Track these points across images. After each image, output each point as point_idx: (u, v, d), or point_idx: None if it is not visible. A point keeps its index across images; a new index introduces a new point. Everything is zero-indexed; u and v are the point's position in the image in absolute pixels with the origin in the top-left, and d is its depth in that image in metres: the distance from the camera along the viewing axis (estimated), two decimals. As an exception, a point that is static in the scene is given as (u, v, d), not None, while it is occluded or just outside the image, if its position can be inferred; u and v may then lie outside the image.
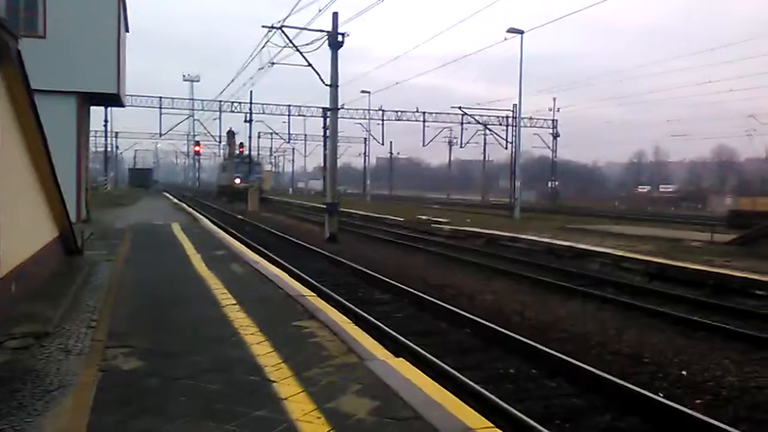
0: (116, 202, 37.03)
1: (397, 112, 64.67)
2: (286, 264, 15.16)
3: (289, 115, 64.05)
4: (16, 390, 4.82)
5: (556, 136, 63.50)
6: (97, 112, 50.52)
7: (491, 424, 4.34)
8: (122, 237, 16.87)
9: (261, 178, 60.64)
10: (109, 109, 51.20)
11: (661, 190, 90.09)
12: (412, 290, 12.32)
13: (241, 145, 58.13)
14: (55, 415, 4.37)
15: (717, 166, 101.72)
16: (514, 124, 46.04)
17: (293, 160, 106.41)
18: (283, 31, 24.28)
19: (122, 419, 4.25)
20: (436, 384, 5.20)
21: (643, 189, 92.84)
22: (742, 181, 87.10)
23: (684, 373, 7.73)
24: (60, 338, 6.37)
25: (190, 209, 34.16)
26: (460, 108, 57.76)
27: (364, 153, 77.42)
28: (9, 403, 4.56)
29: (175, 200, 46.60)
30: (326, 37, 23.16)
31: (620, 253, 16.64)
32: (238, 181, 56.38)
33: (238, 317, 7.41)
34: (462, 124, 64.53)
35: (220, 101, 59.24)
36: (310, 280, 13.02)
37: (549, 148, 64.76)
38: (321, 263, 17.15)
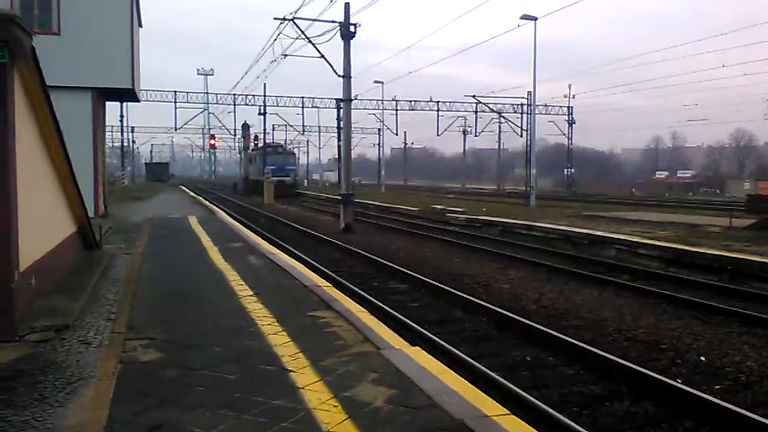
0: (134, 196, 37.29)
1: (410, 101, 64.58)
2: (302, 255, 15.23)
3: (302, 107, 64.38)
4: (38, 382, 4.89)
5: (571, 123, 63.06)
6: (113, 107, 50.86)
7: (508, 411, 4.34)
8: (140, 231, 17.01)
9: (295, 171, 54.66)
10: (124, 104, 51.48)
11: (678, 175, 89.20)
12: (427, 279, 12.33)
13: (256, 137, 58.10)
14: (77, 406, 4.42)
15: (735, 150, 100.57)
16: (529, 111, 45.78)
17: (308, 152, 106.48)
18: (295, 23, 24.31)
19: (142, 410, 4.31)
20: (453, 372, 5.22)
21: (661, 175, 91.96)
22: (761, 165, 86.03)
23: (702, 358, 7.68)
24: (80, 331, 6.44)
25: (207, 202, 34.35)
26: (474, 96, 57.66)
27: (379, 143, 77.44)
28: (31, 395, 4.63)
29: (192, 194, 46.82)
30: (338, 28, 23.12)
31: (637, 239, 16.52)
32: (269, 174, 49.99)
33: (255, 308, 7.46)
34: (476, 112, 64.39)
35: (234, 94, 59.60)
36: (326, 270, 13.07)
37: (564, 135, 64.41)
38: (337, 254, 17.20)
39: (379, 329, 6.51)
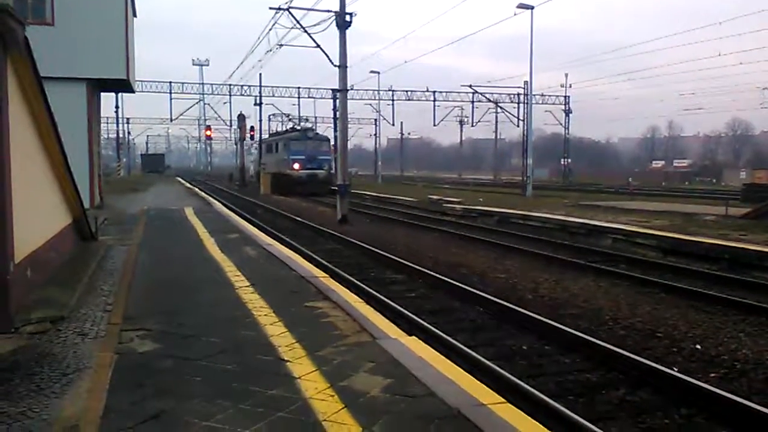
0: (129, 187, 37.24)
1: (407, 92, 64.28)
2: (299, 246, 15.22)
3: (299, 97, 63.93)
4: (34, 373, 4.89)
5: (568, 112, 62.95)
6: (108, 98, 50.53)
7: (503, 400, 4.36)
8: (136, 222, 16.98)
9: (330, 161, 41.48)
10: (119, 95, 51.25)
11: (675, 165, 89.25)
12: (424, 270, 12.33)
13: (252, 128, 57.83)
14: (73, 397, 4.43)
15: (731, 139, 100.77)
16: (526, 101, 45.66)
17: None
18: (290, 12, 24.20)
19: (138, 400, 4.31)
20: (449, 361, 5.23)
21: (657, 164, 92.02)
22: (757, 154, 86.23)
23: (698, 347, 7.71)
24: (76, 322, 6.44)
25: (203, 194, 34.31)
26: (470, 86, 57.33)
27: (375, 134, 77.18)
28: (27, 386, 4.62)
29: (188, 185, 46.75)
30: (334, 17, 23.00)
31: (633, 228, 16.55)
32: (297, 166, 40.92)
33: (252, 299, 7.46)
34: (473, 102, 64.10)
35: (230, 85, 59.21)
36: (322, 261, 13.06)
37: (561, 124, 64.31)
38: (333, 244, 17.19)
39: (376, 319, 6.52)
